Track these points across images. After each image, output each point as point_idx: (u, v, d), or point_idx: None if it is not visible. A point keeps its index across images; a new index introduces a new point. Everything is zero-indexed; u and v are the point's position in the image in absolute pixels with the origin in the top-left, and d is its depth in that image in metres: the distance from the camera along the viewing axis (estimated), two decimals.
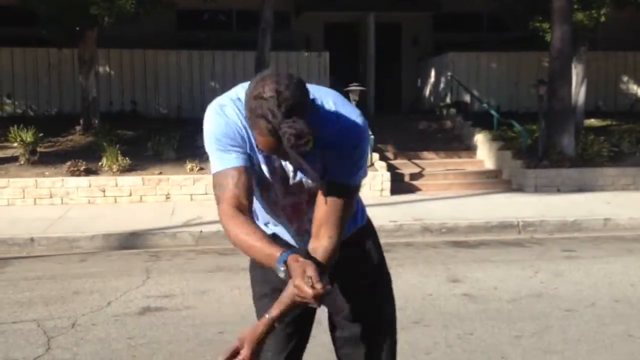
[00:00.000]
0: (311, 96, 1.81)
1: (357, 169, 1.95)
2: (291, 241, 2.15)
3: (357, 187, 1.99)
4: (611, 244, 7.43)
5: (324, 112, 1.90)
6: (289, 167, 1.97)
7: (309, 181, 1.99)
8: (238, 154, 1.90)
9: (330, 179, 1.93)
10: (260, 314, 2.16)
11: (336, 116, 1.90)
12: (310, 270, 1.67)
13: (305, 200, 2.04)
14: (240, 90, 1.93)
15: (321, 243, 1.92)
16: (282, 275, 1.74)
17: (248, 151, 1.92)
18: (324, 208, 1.93)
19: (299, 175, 1.98)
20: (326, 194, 1.93)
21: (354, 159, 1.93)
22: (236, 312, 4.74)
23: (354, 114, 1.93)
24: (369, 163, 10.57)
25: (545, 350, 3.99)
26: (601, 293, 5.21)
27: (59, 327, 4.45)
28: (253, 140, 1.89)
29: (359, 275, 2.19)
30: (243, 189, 1.88)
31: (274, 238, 2.11)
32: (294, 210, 2.07)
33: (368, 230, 2.25)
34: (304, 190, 2.02)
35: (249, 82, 1.86)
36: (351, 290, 2.18)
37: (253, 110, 1.72)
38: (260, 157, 1.96)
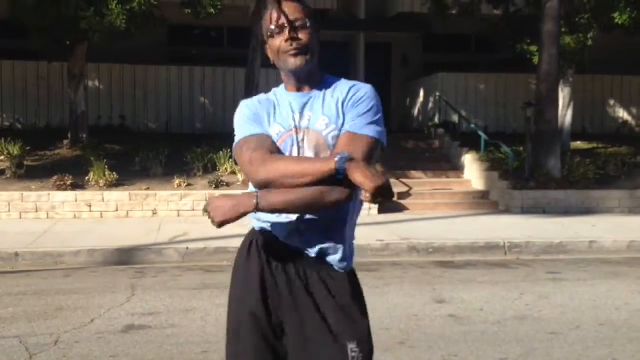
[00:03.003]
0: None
1: (370, 120, 2.03)
2: (281, 236, 2.05)
3: (374, 139, 2.01)
4: (596, 267, 7.46)
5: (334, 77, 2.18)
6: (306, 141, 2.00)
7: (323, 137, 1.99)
8: (262, 129, 2.01)
9: (346, 129, 1.98)
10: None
11: (347, 79, 2.13)
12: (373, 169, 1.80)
13: None
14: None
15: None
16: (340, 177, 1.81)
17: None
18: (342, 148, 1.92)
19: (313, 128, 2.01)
20: (344, 142, 1.95)
21: (367, 107, 2.03)
22: (221, 331, 4.69)
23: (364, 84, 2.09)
24: None
25: None
26: (586, 316, 5.22)
27: (42, 344, 4.40)
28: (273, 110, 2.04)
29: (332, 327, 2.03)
30: (268, 147, 1.94)
31: (261, 233, 2.08)
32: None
33: (353, 281, 2.10)
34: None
35: None
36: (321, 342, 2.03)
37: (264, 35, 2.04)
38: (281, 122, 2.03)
